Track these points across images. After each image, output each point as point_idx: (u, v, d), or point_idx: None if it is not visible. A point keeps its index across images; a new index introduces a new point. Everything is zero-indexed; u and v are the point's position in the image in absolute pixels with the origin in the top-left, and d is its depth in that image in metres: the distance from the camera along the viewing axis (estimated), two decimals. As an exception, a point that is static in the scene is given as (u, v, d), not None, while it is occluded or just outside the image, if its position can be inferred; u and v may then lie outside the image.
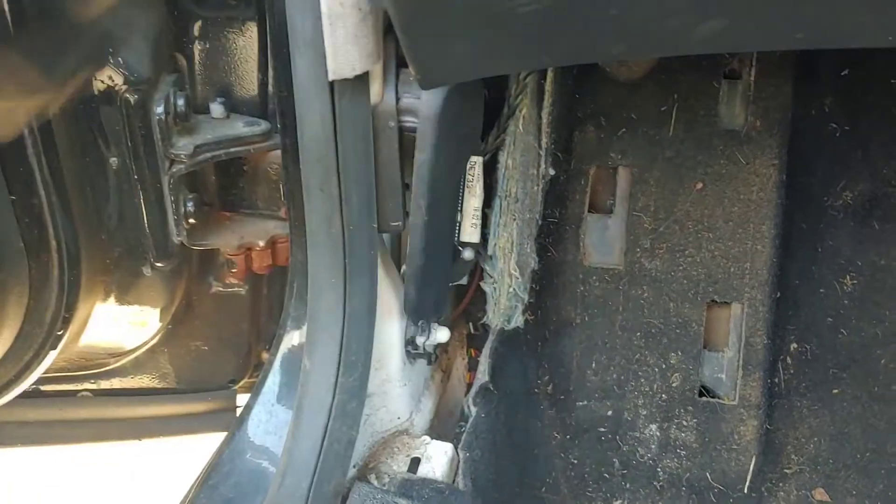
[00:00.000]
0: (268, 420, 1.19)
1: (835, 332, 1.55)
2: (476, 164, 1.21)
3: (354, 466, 1.17)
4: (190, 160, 1.17)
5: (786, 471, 1.50)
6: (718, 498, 1.46)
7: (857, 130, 1.56)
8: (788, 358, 1.54)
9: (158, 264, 1.24)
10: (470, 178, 1.21)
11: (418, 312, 1.22)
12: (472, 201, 1.22)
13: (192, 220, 1.22)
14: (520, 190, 1.21)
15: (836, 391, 1.53)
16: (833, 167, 1.57)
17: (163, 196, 1.18)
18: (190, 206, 1.22)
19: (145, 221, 1.19)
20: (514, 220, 1.22)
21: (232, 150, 1.21)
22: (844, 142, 1.56)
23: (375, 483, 1.16)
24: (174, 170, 1.18)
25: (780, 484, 1.50)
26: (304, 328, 1.13)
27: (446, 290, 1.22)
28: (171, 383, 1.45)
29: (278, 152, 1.20)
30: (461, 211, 1.22)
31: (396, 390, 1.24)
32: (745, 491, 1.46)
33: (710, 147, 1.40)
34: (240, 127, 1.22)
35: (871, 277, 1.56)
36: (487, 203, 1.25)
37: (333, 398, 1.08)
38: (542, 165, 1.24)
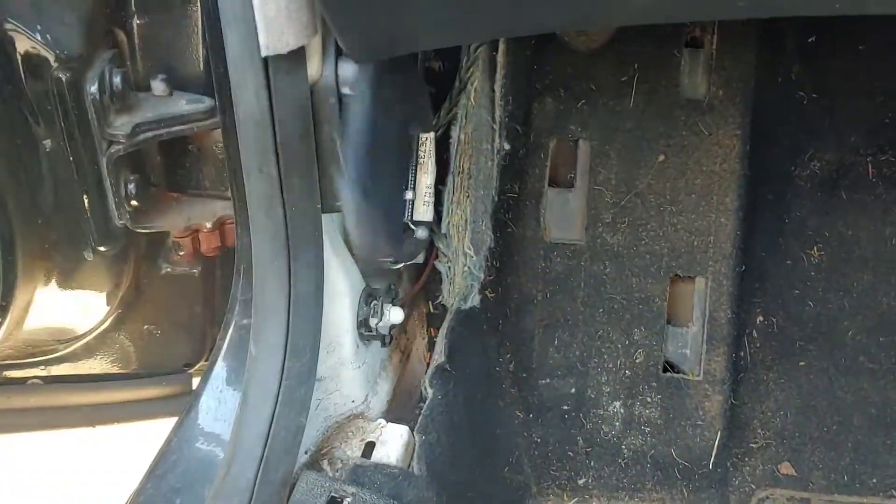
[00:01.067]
0: (217, 407, 1.16)
1: (801, 305, 1.53)
2: (428, 140, 1.17)
3: (307, 452, 1.15)
4: (129, 140, 1.12)
5: (751, 445, 1.49)
6: (683, 474, 1.45)
7: (824, 98, 1.53)
8: (754, 331, 1.52)
9: (101, 248, 1.19)
10: (422, 154, 1.17)
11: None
12: (425, 178, 1.18)
13: (134, 203, 1.17)
14: (473, 166, 1.17)
15: (802, 364, 1.52)
16: (800, 136, 1.54)
17: (101, 178, 1.14)
18: (132, 188, 1.17)
19: (85, 204, 1.15)
20: (468, 196, 1.19)
21: (174, 128, 1.16)
22: (811, 110, 1.53)
23: (328, 469, 1.13)
24: (112, 150, 1.13)
25: (746, 458, 1.49)
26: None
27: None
28: (125, 368, 1.42)
29: (224, 130, 1.15)
30: (414, 189, 1.19)
31: (350, 373, 1.21)
32: (711, 466, 1.45)
33: (671, 118, 1.37)
34: (182, 105, 1.17)
35: (839, 248, 1.54)
36: (441, 180, 1.22)
37: (280, 384, 1.05)
38: (497, 140, 1.20)
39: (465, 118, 1.16)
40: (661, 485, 1.45)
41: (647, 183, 1.39)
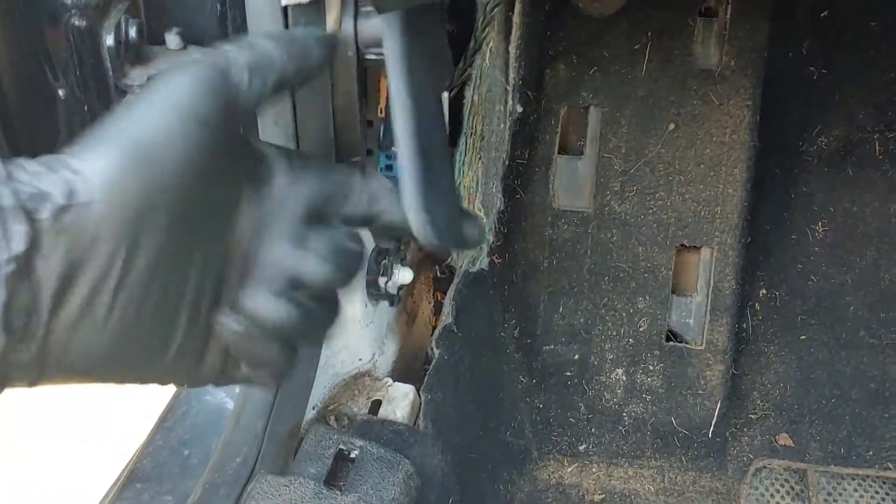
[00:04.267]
0: (226, 361, 1.17)
1: (804, 279, 1.55)
2: (442, 99, 1.16)
3: (314, 408, 1.16)
4: (143, 91, 1.12)
5: (751, 416, 1.50)
6: (683, 442, 1.46)
7: (834, 74, 1.53)
8: (757, 304, 1.53)
9: (113, 201, 1.20)
10: (435, 114, 1.17)
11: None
12: (437, 139, 1.18)
13: (147, 155, 1.18)
14: (485, 127, 1.18)
15: (803, 337, 1.53)
16: (809, 111, 1.54)
17: (115, 129, 1.14)
18: (144, 141, 1.17)
19: (97, 156, 1.15)
20: (480, 158, 1.19)
21: (187, 82, 1.16)
22: (821, 85, 1.53)
23: (335, 425, 1.15)
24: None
25: (745, 429, 1.50)
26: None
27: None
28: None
29: (236, 85, 1.15)
30: (426, 149, 1.18)
31: (358, 331, 1.22)
32: (710, 435, 1.47)
33: (683, 87, 1.37)
34: (196, 58, 1.17)
35: (843, 224, 1.55)
36: (453, 141, 1.22)
37: (290, 338, 1.06)
38: (510, 102, 1.20)
39: (480, 79, 1.16)
40: (660, 452, 1.47)
41: (657, 152, 1.39)
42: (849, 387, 1.51)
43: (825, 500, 1.44)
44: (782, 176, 1.54)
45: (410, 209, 0.91)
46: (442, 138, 1.11)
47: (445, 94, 1.17)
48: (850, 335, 1.53)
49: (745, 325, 1.51)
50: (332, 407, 1.19)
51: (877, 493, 1.45)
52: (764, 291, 1.54)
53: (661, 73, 1.36)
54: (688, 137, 1.38)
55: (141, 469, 1.07)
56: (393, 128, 1.01)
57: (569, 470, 1.46)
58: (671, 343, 1.45)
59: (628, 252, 1.42)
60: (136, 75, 1.12)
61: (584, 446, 1.47)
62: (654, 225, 1.41)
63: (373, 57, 0.99)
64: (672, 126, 1.38)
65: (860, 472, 1.46)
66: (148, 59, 1.15)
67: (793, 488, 1.45)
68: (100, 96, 1.11)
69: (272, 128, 1.00)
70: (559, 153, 1.41)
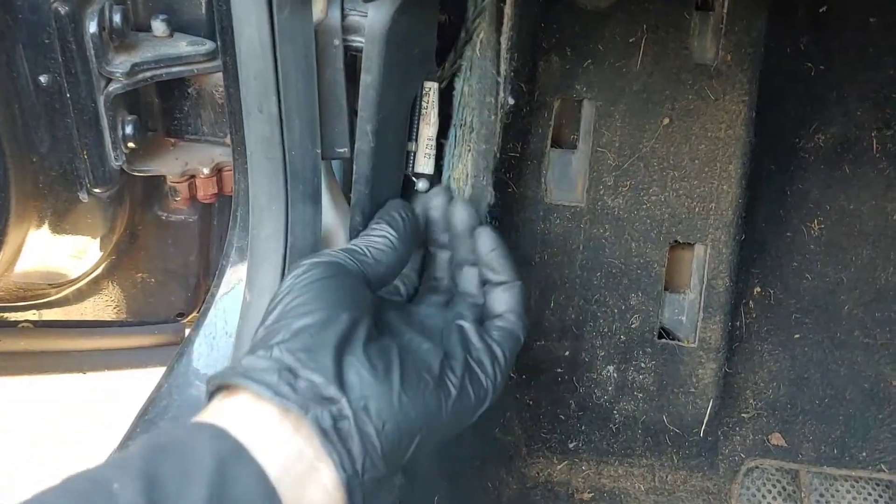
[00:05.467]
0: (209, 353, 1.15)
1: (799, 277, 1.53)
2: (431, 90, 1.15)
3: (298, 401, 1.14)
4: (127, 79, 1.10)
5: (743, 415, 1.49)
6: (674, 440, 1.45)
7: (832, 71, 1.51)
8: (751, 301, 1.51)
9: (96, 190, 1.18)
10: (425, 105, 1.15)
11: None
12: (427, 130, 1.16)
13: (131, 144, 1.16)
14: (476, 119, 1.15)
15: (797, 336, 1.52)
16: (806, 108, 1.53)
17: (98, 117, 1.12)
18: (129, 129, 1.15)
19: (79, 143, 1.13)
20: (470, 151, 1.16)
21: (173, 69, 1.14)
22: (819, 82, 1.52)
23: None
24: (110, 89, 1.11)
25: (737, 428, 1.49)
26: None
27: None
28: (117, 316, 1.41)
29: (224, 74, 1.13)
30: (416, 140, 1.17)
31: (344, 325, 1.20)
32: (701, 434, 1.45)
33: (678, 81, 1.34)
34: (183, 46, 1.15)
35: (839, 222, 1.54)
36: (444, 133, 1.20)
37: (274, 331, 1.04)
38: (501, 94, 1.18)
39: (470, 70, 1.14)
40: (651, 451, 1.45)
41: (651, 146, 1.37)
42: (843, 387, 1.50)
43: (817, 501, 1.43)
44: (778, 173, 1.52)
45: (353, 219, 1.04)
46: (402, 136, 1.11)
47: (435, 85, 1.15)
48: (845, 334, 1.51)
49: (738, 323, 1.50)
50: (317, 401, 1.17)
51: (869, 494, 1.43)
52: (758, 289, 1.52)
53: (657, 67, 1.34)
54: (682, 132, 1.36)
55: (121, 462, 1.05)
56: (357, 122, 1.00)
57: (558, 468, 1.45)
58: (663, 340, 1.43)
59: (621, 248, 1.40)
60: (120, 62, 1.11)
61: (573, 444, 1.45)
62: (648, 220, 1.39)
63: (358, 44, 0.98)
64: (667, 121, 1.36)
65: (853, 474, 1.45)
66: (133, 45, 1.14)
67: (784, 489, 1.44)
68: (82, 83, 1.10)
69: (256, 115, 0.98)
70: (552, 147, 1.39)
